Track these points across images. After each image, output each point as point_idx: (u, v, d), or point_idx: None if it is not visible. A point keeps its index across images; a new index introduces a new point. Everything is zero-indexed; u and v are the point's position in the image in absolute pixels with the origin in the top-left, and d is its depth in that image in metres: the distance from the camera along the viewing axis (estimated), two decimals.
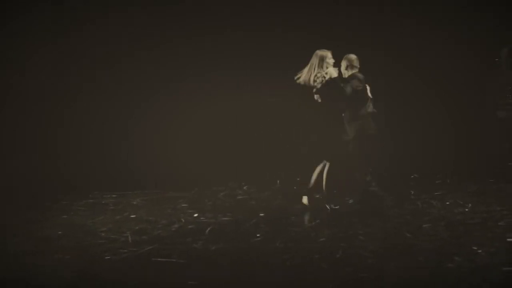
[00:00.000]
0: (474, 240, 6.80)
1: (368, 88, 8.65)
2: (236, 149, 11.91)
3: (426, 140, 11.95)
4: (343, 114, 8.63)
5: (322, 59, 8.59)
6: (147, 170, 11.36)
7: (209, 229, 7.66)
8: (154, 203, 9.46)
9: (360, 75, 8.60)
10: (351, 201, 9.07)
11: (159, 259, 6.47)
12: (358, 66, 8.71)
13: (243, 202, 9.40)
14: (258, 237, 7.24)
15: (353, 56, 8.76)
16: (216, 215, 8.46)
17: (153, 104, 12.20)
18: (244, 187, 10.44)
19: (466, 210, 8.39)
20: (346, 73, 8.72)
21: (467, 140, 11.17)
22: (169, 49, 12.15)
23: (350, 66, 8.71)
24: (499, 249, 6.40)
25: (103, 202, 9.63)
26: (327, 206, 8.57)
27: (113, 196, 9.99)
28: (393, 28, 11.77)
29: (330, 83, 8.48)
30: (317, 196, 8.88)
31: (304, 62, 8.80)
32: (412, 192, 9.65)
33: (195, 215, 8.49)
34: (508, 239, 6.76)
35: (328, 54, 8.60)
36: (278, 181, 10.83)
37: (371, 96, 8.66)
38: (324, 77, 8.52)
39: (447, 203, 8.86)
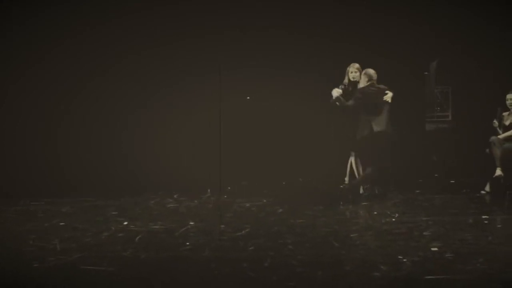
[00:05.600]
0: (399, 249, 6.95)
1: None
2: (167, 158, 11.88)
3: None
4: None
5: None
6: (77, 177, 11.25)
7: (138, 237, 7.63)
8: (84, 211, 9.39)
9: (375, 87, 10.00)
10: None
11: (88, 267, 6.41)
12: (375, 78, 10.03)
13: (173, 211, 9.40)
14: (187, 245, 7.25)
15: (371, 71, 10.03)
16: (146, 223, 8.44)
17: (88, 110, 12.16)
18: (175, 196, 10.44)
19: (393, 220, 8.55)
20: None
21: (395, 151, 11.36)
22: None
23: (369, 79, 10.01)
24: (423, 258, 6.54)
25: (31, 209, 9.52)
26: (361, 191, 10.01)
27: (42, 203, 9.88)
28: None
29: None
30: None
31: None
32: (341, 203, 9.80)
33: (125, 223, 8.44)
34: (432, 249, 6.92)
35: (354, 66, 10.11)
36: (208, 190, 10.86)
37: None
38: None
39: (375, 213, 9.02)
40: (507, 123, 10.52)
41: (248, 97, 12.81)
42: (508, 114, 10.56)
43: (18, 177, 11.35)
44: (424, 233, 7.69)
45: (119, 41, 12.13)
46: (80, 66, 12.14)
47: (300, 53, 12.14)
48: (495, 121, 10.66)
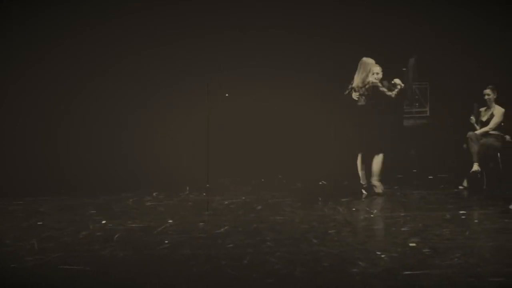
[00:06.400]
0: (378, 245, 6.98)
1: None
2: (146, 156, 11.90)
3: (335, 147, 12.17)
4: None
5: (369, 66, 9.86)
6: (55, 176, 11.21)
7: (117, 236, 7.61)
8: (62, 210, 9.35)
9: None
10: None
11: (65, 267, 6.39)
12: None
13: (152, 209, 9.38)
14: (166, 243, 7.24)
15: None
16: (124, 221, 8.42)
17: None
18: (154, 194, 10.43)
19: (371, 216, 8.59)
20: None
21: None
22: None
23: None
24: (401, 254, 6.57)
25: (10, 208, 9.47)
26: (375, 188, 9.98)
27: (20, 202, 9.83)
28: None
29: (376, 88, 9.78)
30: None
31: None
32: (320, 199, 9.83)
33: (103, 221, 8.42)
34: (410, 244, 6.95)
35: (373, 62, 9.86)
36: (187, 188, 10.85)
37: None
38: (373, 83, 9.79)
39: (353, 209, 9.05)
40: (484, 118, 10.59)
41: (227, 94, 12.87)
42: (485, 110, 10.64)
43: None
44: (402, 229, 7.73)
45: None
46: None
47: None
48: (472, 117, 10.73)
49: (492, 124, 10.44)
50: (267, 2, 12.24)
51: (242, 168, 12.06)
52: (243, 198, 10.07)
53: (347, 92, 9.92)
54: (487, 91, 10.53)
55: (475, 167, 10.17)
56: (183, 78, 12.52)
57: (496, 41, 11.52)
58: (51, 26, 11.91)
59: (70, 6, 11.94)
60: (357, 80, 9.88)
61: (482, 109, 10.68)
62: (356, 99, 9.87)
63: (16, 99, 11.98)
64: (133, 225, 8.23)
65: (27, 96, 12.03)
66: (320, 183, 11.29)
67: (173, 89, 12.53)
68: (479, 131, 10.48)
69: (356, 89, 9.87)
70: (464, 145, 10.42)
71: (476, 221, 8.40)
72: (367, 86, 9.80)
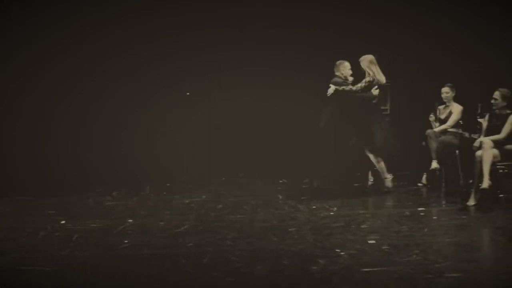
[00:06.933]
0: (337, 242, 7.01)
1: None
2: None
3: (295, 145, 12.20)
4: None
5: (372, 63, 10.06)
6: (12, 175, 11.12)
7: (76, 236, 7.55)
8: (20, 210, 9.26)
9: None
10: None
11: (24, 268, 6.33)
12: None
13: (111, 208, 9.32)
14: (126, 243, 7.20)
15: None
16: (84, 221, 8.35)
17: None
18: (113, 193, 10.36)
19: (331, 213, 8.62)
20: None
21: (334, 145, 11.47)
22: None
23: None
24: (361, 251, 6.61)
25: None
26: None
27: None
28: None
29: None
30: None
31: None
32: (280, 197, 9.85)
33: (62, 222, 8.35)
34: (369, 241, 7.00)
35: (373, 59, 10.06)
36: (148, 187, 10.81)
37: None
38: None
39: (313, 207, 9.08)
40: (442, 116, 10.68)
41: (187, 93, 12.89)
42: (444, 108, 10.73)
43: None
44: (362, 226, 7.79)
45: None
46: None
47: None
48: (431, 114, 10.82)
49: (451, 121, 10.52)
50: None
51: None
52: (204, 197, 10.05)
53: (364, 84, 10.01)
54: (446, 89, 10.62)
55: (434, 164, 10.24)
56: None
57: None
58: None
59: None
60: (380, 77, 10.05)
61: (441, 107, 10.77)
62: (376, 95, 10.07)
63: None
64: (93, 225, 8.17)
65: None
66: (281, 181, 11.31)
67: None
68: (437, 128, 10.57)
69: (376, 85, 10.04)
70: (423, 143, 10.50)
71: (434, 218, 8.49)
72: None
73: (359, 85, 9.91)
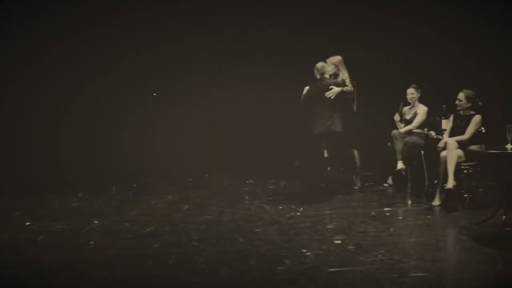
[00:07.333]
0: (303, 243, 7.04)
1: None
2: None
3: (263, 146, 12.24)
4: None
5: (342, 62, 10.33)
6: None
7: (41, 237, 7.49)
8: None
9: None
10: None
11: None
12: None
13: (77, 209, 9.25)
14: (91, 244, 7.16)
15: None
16: (49, 223, 8.28)
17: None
18: (79, 194, 10.29)
19: (298, 214, 8.64)
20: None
21: (305, 146, 11.53)
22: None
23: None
24: (327, 251, 6.64)
25: None
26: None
27: None
28: None
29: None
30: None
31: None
32: (247, 197, 9.86)
33: (27, 223, 8.27)
34: (335, 242, 7.03)
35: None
36: (114, 188, 10.76)
37: None
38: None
39: (280, 207, 9.10)
40: (407, 117, 10.76)
41: (154, 94, 12.89)
42: (409, 109, 10.80)
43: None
44: (328, 227, 7.82)
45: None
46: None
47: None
48: (396, 115, 10.89)
49: (416, 122, 10.60)
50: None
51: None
52: (170, 197, 10.01)
53: (352, 84, 10.30)
54: (411, 90, 10.69)
55: (400, 165, 10.31)
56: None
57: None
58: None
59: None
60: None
61: (406, 108, 10.84)
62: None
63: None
64: (58, 227, 8.10)
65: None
66: (247, 181, 11.31)
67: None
68: (403, 129, 10.64)
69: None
70: (389, 143, 10.56)
71: (400, 218, 8.54)
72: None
73: (349, 85, 10.07)
